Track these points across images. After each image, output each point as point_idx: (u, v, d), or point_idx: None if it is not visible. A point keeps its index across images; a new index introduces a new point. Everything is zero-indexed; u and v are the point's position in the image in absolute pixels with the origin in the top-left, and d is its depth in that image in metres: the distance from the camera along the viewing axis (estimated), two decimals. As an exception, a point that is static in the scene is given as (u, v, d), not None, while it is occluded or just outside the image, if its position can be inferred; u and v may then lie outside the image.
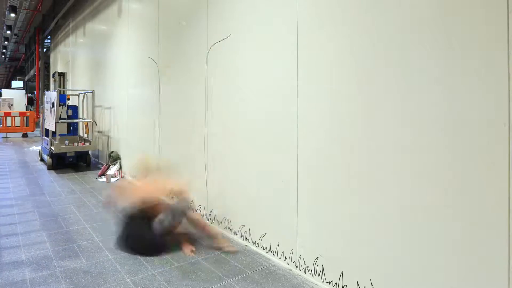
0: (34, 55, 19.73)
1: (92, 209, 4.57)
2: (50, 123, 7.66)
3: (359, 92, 2.38)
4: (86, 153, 7.54)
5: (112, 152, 7.03)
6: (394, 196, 2.19)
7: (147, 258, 3.13)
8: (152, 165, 3.89)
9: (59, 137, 7.35)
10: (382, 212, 2.26)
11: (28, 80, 27.83)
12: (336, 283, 2.56)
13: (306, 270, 2.80)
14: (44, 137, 8.30)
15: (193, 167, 4.34)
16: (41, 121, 9.25)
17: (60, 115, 7.37)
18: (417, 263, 2.08)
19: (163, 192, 3.47)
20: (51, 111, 7.64)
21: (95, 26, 8.55)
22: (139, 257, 3.14)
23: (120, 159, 6.77)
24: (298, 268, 2.88)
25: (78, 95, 8.98)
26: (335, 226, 2.58)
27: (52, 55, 16.15)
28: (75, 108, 8.00)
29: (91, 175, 6.83)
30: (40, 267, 2.96)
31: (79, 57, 10.43)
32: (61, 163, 7.31)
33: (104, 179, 6.33)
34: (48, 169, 7.24)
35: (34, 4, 13.18)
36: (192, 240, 3.42)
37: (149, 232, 3.16)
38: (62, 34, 12.92)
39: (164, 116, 5.07)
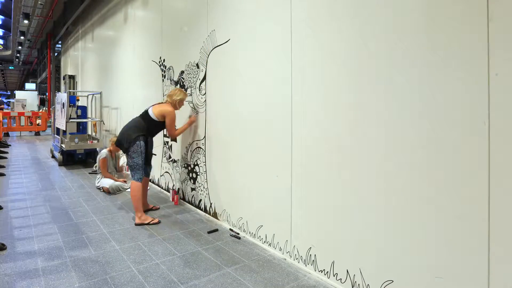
0: (46, 59, 19.62)
1: (100, 203, 4.55)
2: (61, 123, 7.61)
3: (350, 92, 2.37)
4: (94, 150, 7.49)
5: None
6: (383, 190, 2.18)
7: (152, 248, 3.12)
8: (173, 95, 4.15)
9: (69, 135, 7.30)
10: (372, 205, 2.25)
11: (40, 82, 27.69)
12: (327, 272, 2.56)
13: (300, 259, 2.80)
14: (55, 135, 8.26)
15: (194, 165, 4.32)
16: (52, 120, 9.19)
17: (70, 115, 7.32)
18: (403, 253, 2.08)
19: None
20: (61, 111, 7.60)
21: (103, 32, 8.50)
22: (142, 246, 3.13)
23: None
24: (292, 258, 2.87)
25: (87, 96, 8.92)
26: (327, 218, 2.57)
27: (62, 59, 16.05)
28: (84, 109, 7.95)
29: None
30: (52, 256, 2.94)
31: (88, 61, 10.36)
32: (71, 159, 7.27)
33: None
34: (59, 165, 7.20)
35: (46, 11, 13.08)
36: None
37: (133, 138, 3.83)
38: (72, 39, 12.84)
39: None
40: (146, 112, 4.00)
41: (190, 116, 4.37)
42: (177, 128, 4.19)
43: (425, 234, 1.96)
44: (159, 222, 3.79)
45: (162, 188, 5.29)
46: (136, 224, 3.72)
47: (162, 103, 4.10)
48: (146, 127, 3.91)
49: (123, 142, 3.86)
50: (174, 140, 4.58)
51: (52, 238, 3.32)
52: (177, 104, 4.07)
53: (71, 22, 11.42)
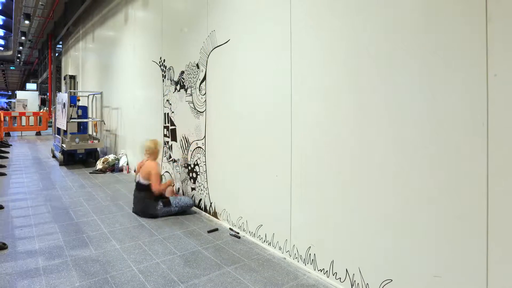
0: (46, 59, 19.60)
1: (100, 202, 4.54)
2: (61, 123, 7.61)
3: (350, 93, 2.37)
4: (95, 150, 7.49)
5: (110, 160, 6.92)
6: (382, 190, 2.18)
7: (152, 247, 3.11)
8: (152, 147, 4.28)
9: (70, 135, 7.29)
10: (371, 205, 2.25)
11: (41, 83, 27.66)
12: (327, 271, 2.55)
13: (299, 258, 2.79)
14: (56, 135, 8.25)
15: (194, 164, 4.32)
16: (53, 120, 9.18)
17: (71, 115, 7.32)
18: (402, 253, 2.07)
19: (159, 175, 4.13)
20: (62, 111, 7.59)
21: (103, 32, 8.48)
22: (143, 245, 3.13)
23: (115, 164, 6.73)
24: (291, 257, 2.87)
25: (88, 97, 8.92)
26: (326, 218, 2.57)
27: (63, 59, 16.03)
28: (84, 109, 7.94)
29: (100, 170, 6.78)
30: (52, 256, 2.93)
31: (88, 61, 10.35)
32: (71, 159, 7.27)
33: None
34: (60, 165, 7.19)
35: (47, 12, 13.05)
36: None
37: (153, 207, 3.97)
38: (73, 39, 12.81)
39: (168, 115, 5.04)
40: (138, 182, 4.14)
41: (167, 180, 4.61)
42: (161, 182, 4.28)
43: (424, 233, 1.95)
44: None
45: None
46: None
47: (142, 163, 4.24)
48: (149, 193, 4.02)
49: (147, 215, 3.99)
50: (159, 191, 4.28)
51: (53, 238, 3.31)
52: (157, 154, 4.31)
53: (72, 22, 11.40)
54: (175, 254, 3.00)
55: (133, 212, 4.15)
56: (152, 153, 4.25)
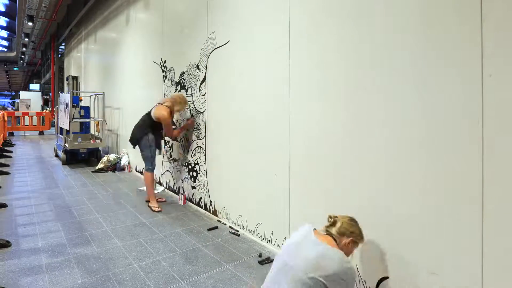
0: (49, 60, 19.59)
1: (102, 201, 4.54)
2: (64, 122, 7.60)
3: (348, 92, 2.37)
4: (97, 149, 7.48)
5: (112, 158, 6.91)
6: (382, 189, 2.18)
7: (153, 245, 3.11)
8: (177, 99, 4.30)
9: (73, 135, 7.28)
10: (369, 204, 2.25)
11: (44, 83, 27.62)
12: (324, 268, 2.55)
13: (298, 256, 2.79)
14: (59, 135, 8.24)
15: (195, 163, 4.32)
16: (56, 120, 9.17)
17: (73, 115, 7.31)
18: (400, 250, 2.07)
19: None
20: (65, 111, 7.58)
21: (105, 33, 8.47)
22: (144, 243, 3.13)
23: (117, 163, 6.73)
24: (290, 254, 2.87)
25: (90, 97, 8.90)
26: (324, 216, 2.57)
27: (66, 60, 16.01)
28: (87, 109, 7.93)
29: (102, 169, 6.77)
30: (55, 253, 2.93)
31: (90, 62, 10.34)
32: (74, 158, 7.26)
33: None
34: (62, 164, 7.19)
35: (50, 13, 13.03)
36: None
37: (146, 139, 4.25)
38: (75, 41, 12.80)
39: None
40: (150, 111, 4.34)
41: (187, 119, 4.48)
42: (175, 128, 4.49)
43: (422, 231, 1.95)
44: (160, 211, 4.13)
45: (163, 186, 5.28)
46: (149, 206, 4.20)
47: (161, 104, 4.26)
48: (151, 124, 4.26)
49: (135, 138, 4.30)
50: (175, 139, 4.65)
51: (56, 235, 3.31)
52: (173, 112, 4.28)
53: (74, 24, 11.39)
54: (176, 252, 3.00)
55: (129, 140, 4.40)
56: (171, 106, 4.23)
